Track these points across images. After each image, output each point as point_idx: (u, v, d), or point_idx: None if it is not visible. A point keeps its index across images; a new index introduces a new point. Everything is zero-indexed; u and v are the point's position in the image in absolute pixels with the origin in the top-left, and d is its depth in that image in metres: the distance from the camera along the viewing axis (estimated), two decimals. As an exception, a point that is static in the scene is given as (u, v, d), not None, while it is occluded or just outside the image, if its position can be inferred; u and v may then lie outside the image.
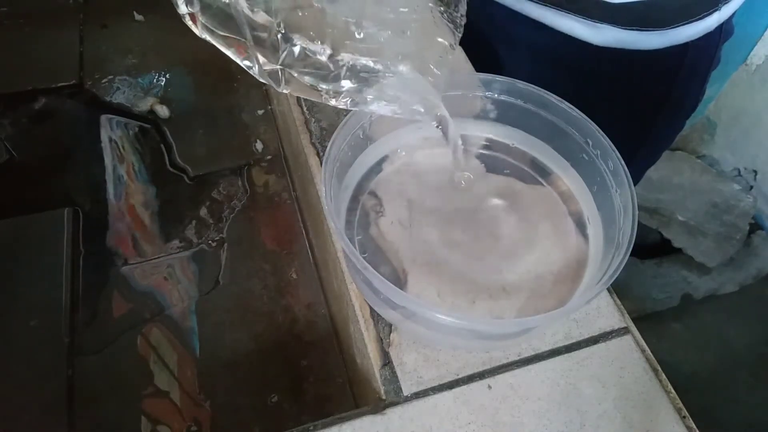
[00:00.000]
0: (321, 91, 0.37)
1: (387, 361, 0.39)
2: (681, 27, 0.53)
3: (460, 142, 0.41)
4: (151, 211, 0.65)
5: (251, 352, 0.55)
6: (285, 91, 0.38)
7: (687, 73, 0.58)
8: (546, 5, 0.55)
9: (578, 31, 0.55)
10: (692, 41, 0.54)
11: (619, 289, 0.42)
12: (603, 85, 0.59)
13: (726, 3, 0.54)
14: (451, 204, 0.46)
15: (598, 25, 0.53)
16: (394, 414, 0.37)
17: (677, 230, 1.44)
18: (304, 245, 0.63)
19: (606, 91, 0.59)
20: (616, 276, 0.34)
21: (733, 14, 0.57)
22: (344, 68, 0.35)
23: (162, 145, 0.70)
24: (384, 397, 0.38)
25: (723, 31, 0.57)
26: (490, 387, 0.39)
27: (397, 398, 0.38)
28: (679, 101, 0.62)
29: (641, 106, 0.62)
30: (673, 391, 0.39)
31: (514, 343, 0.40)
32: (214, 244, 0.62)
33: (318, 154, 0.50)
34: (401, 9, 0.36)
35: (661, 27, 0.53)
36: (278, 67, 0.36)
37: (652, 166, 0.75)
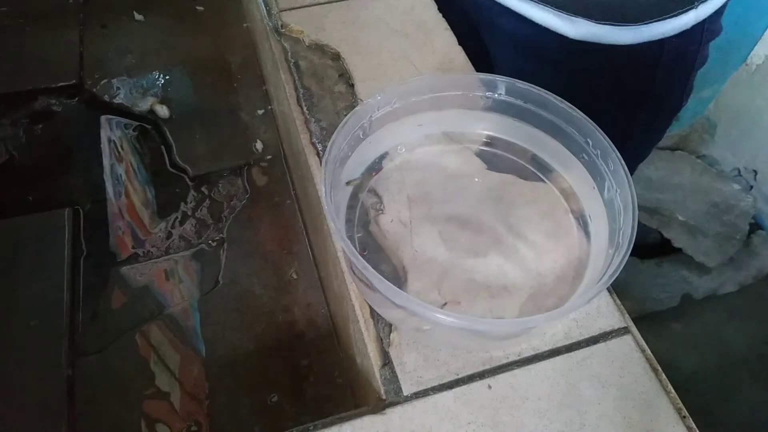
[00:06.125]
0: None
1: (387, 361, 0.39)
2: (654, 23, 0.53)
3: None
4: (151, 210, 0.65)
5: (251, 352, 0.55)
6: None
7: (665, 71, 0.59)
8: None
9: (555, 24, 0.55)
10: (668, 38, 0.55)
11: (619, 289, 0.42)
12: (582, 78, 0.60)
13: (703, 2, 0.54)
14: (451, 201, 0.46)
15: (574, 18, 0.54)
16: (394, 414, 0.37)
17: (677, 230, 1.44)
18: (304, 245, 0.63)
19: (585, 85, 0.60)
20: (616, 276, 0.34)
21: (718, 14, 0.57)
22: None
23: (162, 145, 0.70)
24: (384, 397, 0.38)
25: (706, 30, 0.57)
26: (490, 387, 0.39)
27: (397, 398, 0.38)
28: (659, 98, 0.62)
29: (620, 101, 0.62)
30: (673, 391, 0.39)
31: (514, 342, 0.40)
32: (214, 244, 0.62)
33: (318, 154, 0.50)
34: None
35: (634, 23, 0.53)
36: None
37: (641, 162, 0.76)
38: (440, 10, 0.63)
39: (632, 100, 0.62)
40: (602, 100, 0.60)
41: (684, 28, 0.54)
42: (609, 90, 0.61)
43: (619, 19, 0.53)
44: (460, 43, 0.59)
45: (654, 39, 0.54)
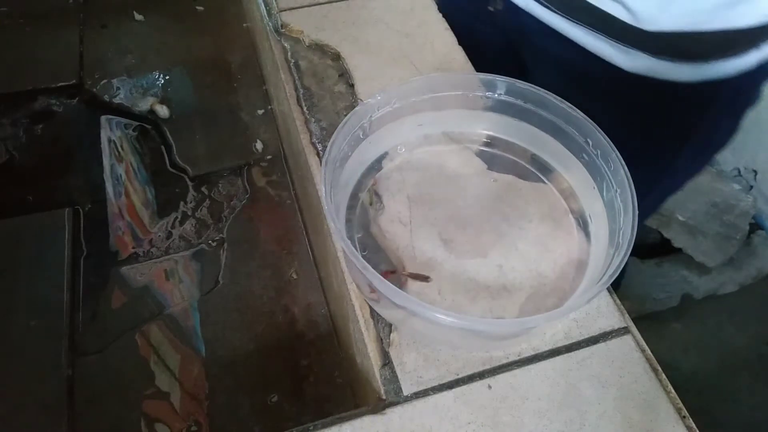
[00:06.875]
0: None
1: (387, 361, 0.39)
2: (716, 62, 0.50)
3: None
4: (151, 210, 0.65)
5: (251, 352, 0.55)
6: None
7: (719, 109, 0.56)
8: (579, 24, 0.53)
9: (608, 54, 0.53)
10: (727, 78, 0.51)
11: (619, 289, 0.42)
12: (628, 109, 0.57)
13: (766, 42, 0.50)
14: (451, 201, 0.46)
15: (630, 50, 0.51)
16: (394, 414, 0.37)
17: (677, 230, 1.43)
18: (304, 245, 0.63)
19: (631, 117, 0.57)
20: (616, 276, 0.34)
21: None
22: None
23: (162, 145, 0.70)
24: (384, 397, 0.38)
25: (764, 70, 0.53)
26: (490, 387, 0.39)
27: (397, 398, 0.38)
28: (707, 136, 0.60)
29: (666, 136, 0.60)
30: (673, 391, 0.39)
31: (514, 342, 0.40)
32: (214, 244, 0.62)
33: (318, 154, 0.50)
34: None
35: (695, 60, 0.50)
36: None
37: (674, 194, 0.72)
38: (471, 24, 0.60)
39: (680, 135, 0.59)
40: (646, 133, 0.58)
41: (745, 68, 0.51)
42: (657, 124, 0.58)
43: (679, 55, 0.50)
44: (495, 60, 0.56)
45: (713, 78, 0.51)
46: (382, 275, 0.40)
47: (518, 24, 0.60)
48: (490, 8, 0.62)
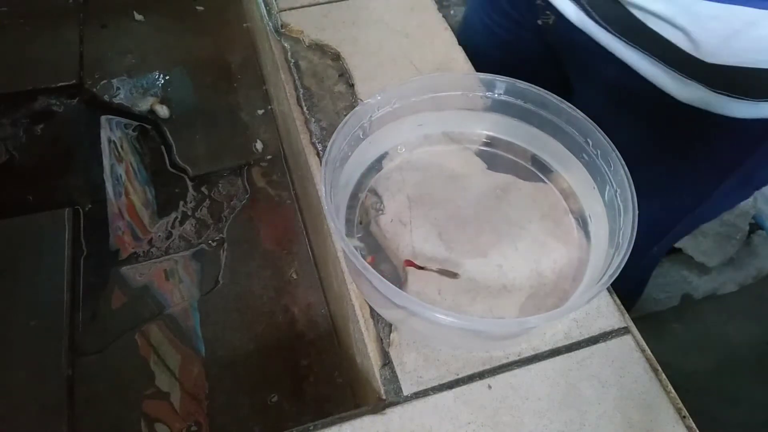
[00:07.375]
0: None
1: (387, 361, 0.39)
2: None
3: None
4: (151, 210, 0.65)
5: (251, 352, 0.55)
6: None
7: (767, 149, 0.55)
8: (636, 47, 0.51)
9: (663, 82, 0.51)
10: None
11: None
12: (674, 138, 0.56)
13: None
14: (451, 201, 0.46)
15: (686, 80, 0.49)
16: (394, 414, 0.37)
17: (677, 230, 1.43)
18: (304, 245, 0.63)
19: (676, 145, 0.56)
20: (616, 276, 0.34)
21: None
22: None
23: (162, 145, 0.70)
24: (384, 397, 0.38)
25: None
26: (490, 387, 0.39)
27: (397, 398, 0.38)
28: (750, 173, 0.59)
29: (710, 168, 0.59)
30: (673, 391, 0.39)
31: (514, 342, 0.40)
32: (214, 244, 0.62)
33: (318, 154, 0.50)
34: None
35: (752, 97, 0.49)
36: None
37: (706, 222, 0.70)
38: (515, 33, 0.58)
39: (724, 168, 0.58)
40: (692, 162, 0.57)
41: None
42: (702, 155, 0.57)
43: (736, 90, 0.48)
44: (534, 72, 0.54)
45: (767, 117, 0.50)
46: (410, 266, 0.40)
47: (569, 40, 0.58)
48: (539, 21, 0.59)
